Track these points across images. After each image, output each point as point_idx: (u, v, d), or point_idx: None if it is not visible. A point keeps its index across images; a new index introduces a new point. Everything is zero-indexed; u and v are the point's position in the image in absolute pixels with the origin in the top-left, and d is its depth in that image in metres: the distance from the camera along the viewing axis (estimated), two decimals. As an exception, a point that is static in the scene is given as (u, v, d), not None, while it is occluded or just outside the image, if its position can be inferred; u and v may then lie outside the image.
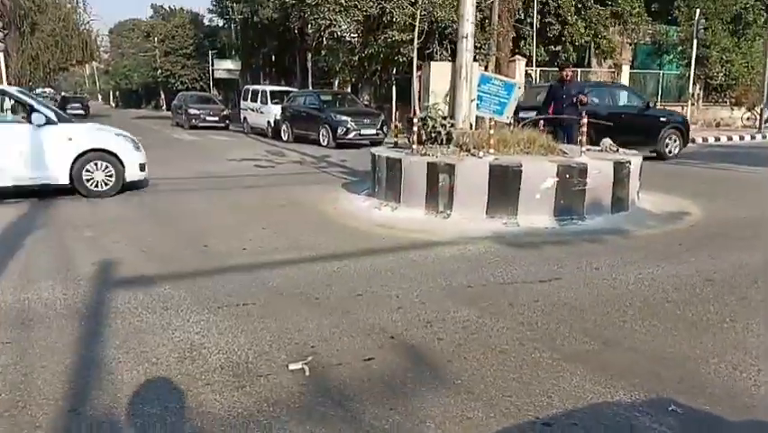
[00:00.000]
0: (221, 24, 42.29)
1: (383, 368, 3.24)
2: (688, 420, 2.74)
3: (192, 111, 25.43)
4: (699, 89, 22.89)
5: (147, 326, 3.80)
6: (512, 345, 3.53)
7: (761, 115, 20.88)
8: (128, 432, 2.65)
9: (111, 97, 63.70)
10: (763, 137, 19.48)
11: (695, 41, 20.48)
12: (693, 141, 17.83)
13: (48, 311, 4.02)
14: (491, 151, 7.16)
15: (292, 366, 3.24)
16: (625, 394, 2.96)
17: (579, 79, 20.71)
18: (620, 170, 7.10)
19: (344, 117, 16.85)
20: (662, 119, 13.48)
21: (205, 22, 45.65)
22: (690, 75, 21.09)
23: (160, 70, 45.26)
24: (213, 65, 38.21)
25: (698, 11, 20.06)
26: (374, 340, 3.59)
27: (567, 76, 9.90)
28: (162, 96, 46.32)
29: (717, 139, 18.55)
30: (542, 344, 3.55)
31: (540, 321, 3.90)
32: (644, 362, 3.34)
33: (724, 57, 22.00)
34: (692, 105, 21.94)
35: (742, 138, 19.00)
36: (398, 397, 2.93)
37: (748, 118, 22.59)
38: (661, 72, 22.93)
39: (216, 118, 25.21)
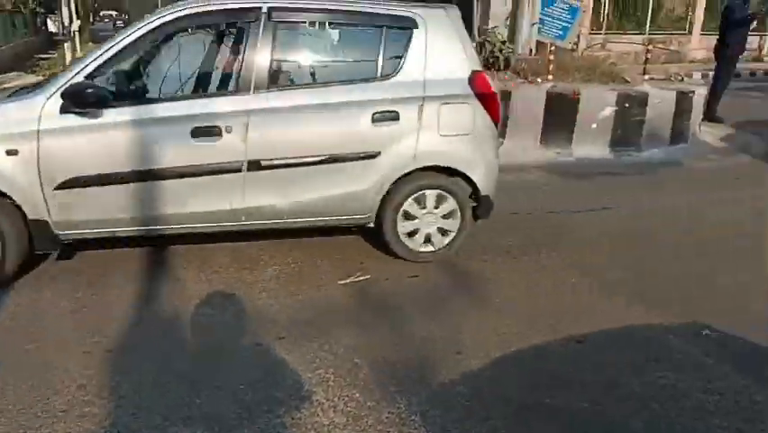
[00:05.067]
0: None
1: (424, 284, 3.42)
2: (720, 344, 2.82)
3: None
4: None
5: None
6: (551, 271, 3.63)
7: None
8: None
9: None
10: None
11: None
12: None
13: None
14: (550, 78, 7.01)
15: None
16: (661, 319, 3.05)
17: None
18: (683, 100, 6.85)
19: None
20: None
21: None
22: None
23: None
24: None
25: None
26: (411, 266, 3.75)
27: None
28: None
29: None
30: (579, 270, 3.63)
31: (583, 250, 3.96)
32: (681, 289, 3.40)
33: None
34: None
35: None
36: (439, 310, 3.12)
37: None
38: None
39: None
